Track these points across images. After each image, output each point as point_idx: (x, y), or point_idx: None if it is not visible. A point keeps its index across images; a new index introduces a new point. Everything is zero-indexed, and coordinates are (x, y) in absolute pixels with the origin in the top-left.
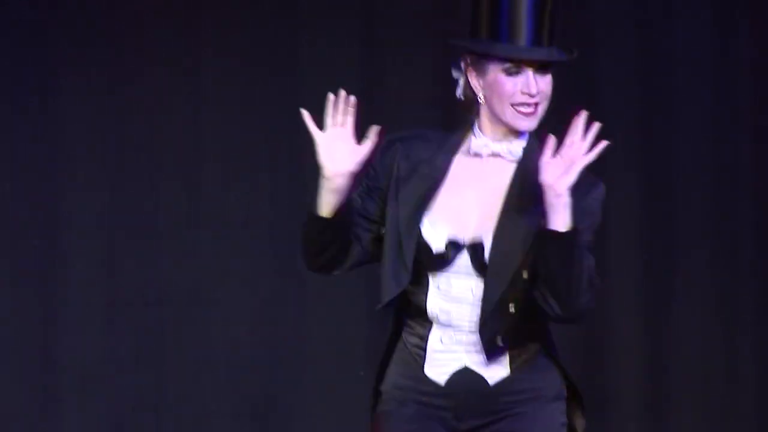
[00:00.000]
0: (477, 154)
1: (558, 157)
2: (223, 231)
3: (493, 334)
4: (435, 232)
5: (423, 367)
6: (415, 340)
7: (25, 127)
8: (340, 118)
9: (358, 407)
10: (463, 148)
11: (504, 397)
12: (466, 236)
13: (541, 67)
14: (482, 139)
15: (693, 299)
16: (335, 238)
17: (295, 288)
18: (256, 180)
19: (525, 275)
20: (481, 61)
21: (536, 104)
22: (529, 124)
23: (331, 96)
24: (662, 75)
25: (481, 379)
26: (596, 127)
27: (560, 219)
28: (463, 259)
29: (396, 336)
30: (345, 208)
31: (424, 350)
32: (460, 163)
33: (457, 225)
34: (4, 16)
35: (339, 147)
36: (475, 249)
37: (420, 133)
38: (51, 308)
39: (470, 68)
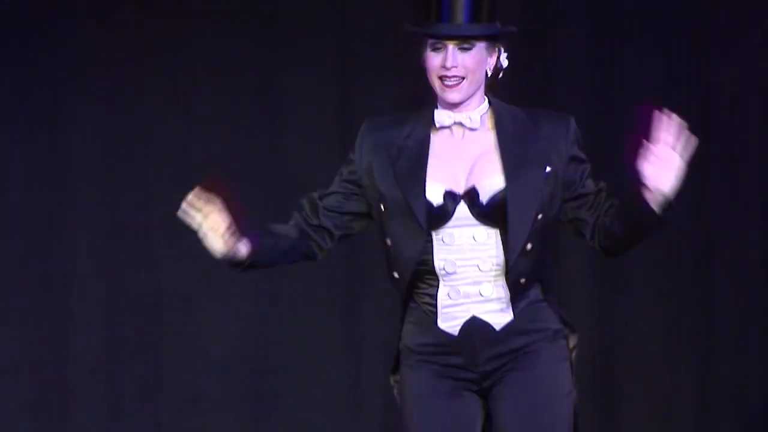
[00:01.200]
0: (443, 127)
1: (654, 159)
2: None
3: (517, 276)
4: (432, 190)
5: (436, 322)
6: (425, 299)
7: (35, 143)
8: (202, 212)
9: (338, 396)
10: (435, 121)
11: (510, 340)
12: (458, 189)
13: (463, 43)
14: (443, 112)
15: (638, 295)
16: (271, 261)
17: (280, 289)
18: (243, 188)
19: (540, 218)
20: (423, 40)
21: (460, 77)
22: (453, 96)
23: (186, 200)
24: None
25: (488, 326)
26: (682, 124)
27: (660, 206)
28: (461, 209)
29: (407, 301)
30: (257, 246)
31: (435, 306)
32: (437, 135)
33: (450, 182)
34: (18, 42)
35: (217, 230)
36: (471, 197)
37: (397, 117)
38: (59, 306)
39: (421, 49)
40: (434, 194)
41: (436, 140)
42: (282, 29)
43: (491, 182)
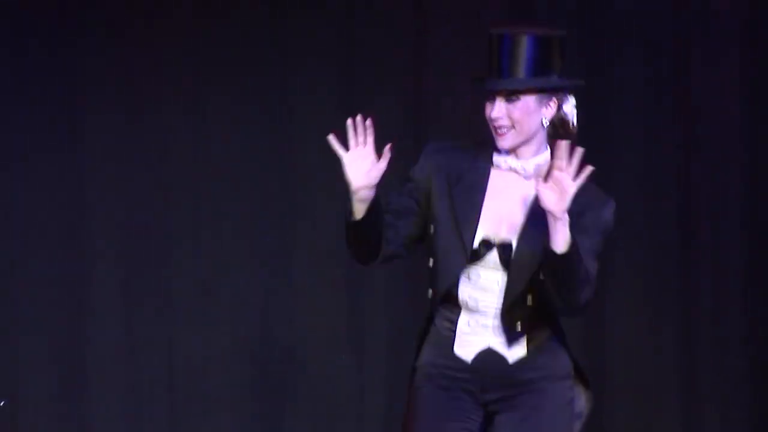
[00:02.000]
0: (499, 168)
1: (550, 183)
2: (224, 234)
3: (513, 322)
4: (479, 228)
5: (453, 347)
6: (446, 323)
7: (54, 148)
8: (360, 138)
9: (343, 390)
10: (494, 161)
11: (521, 373)
12: (497, 237)
13: (510, 95)
14: (501, 157)
15: (624, 296)
16: (367, 236)
17: (286, 285)
18: (252, 190)
19: (541, 276)
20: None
21: (508, 126)
22: (501, 143)
23: (349, 120)
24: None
25: (502, 358)
26: (579, 152)
27: (560, 239)
28: (493, 255)
29: (430, 320)
30: (373, 210)
31: (454, 332)
32: (495, 174)
33: (491, 226)
34: (37, 51)
35: (361, 164)
36: (504, 248)
37: (456, 144)
38: (76, 301)
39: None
40: (477, 234)
41: (495, 176)
42: (288, 33)
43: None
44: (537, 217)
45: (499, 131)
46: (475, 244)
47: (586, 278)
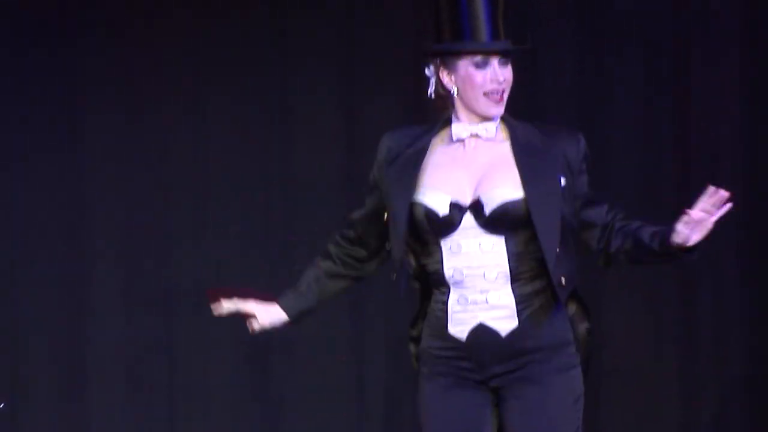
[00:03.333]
0: (459, 140)
1: (690, 219)
2: (224, 234)
3: (558, 277)
4: (437, 199)
5: (447, 326)
6: (438, 305)
7: (55, 149)
8: (235, 311)
9: (343, 390)
10: (442, 136)
11: (515, 345)
12: (465, 200)
13: (503, 58)
14: (461, 125)
15: (622, 298)
16: (327, 298)
17: (286, 285)
18: (252, 190)
19: (562, 224)
20: (451, 59)
21: (503, 91)
22: (498, 110)
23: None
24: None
25: (494, 332)
26: (725, 196)
27: (679, 254)
28: (467, 220)
29: (424, 302)
30: (297, 307)
31: (446, 312)
32: (440, 148)
33: (455, 192)
34: (38, 53)
35: (259, 315)
36: (477, 208)
37: (404, 126)
38: (76, 301)
39: (442, 68)
40: (440, 204)
41: (439, 150)
42: (288, 36)
43: (500, 192)
44: (534, 177)
45: (495, 97)
46: (445, 210)
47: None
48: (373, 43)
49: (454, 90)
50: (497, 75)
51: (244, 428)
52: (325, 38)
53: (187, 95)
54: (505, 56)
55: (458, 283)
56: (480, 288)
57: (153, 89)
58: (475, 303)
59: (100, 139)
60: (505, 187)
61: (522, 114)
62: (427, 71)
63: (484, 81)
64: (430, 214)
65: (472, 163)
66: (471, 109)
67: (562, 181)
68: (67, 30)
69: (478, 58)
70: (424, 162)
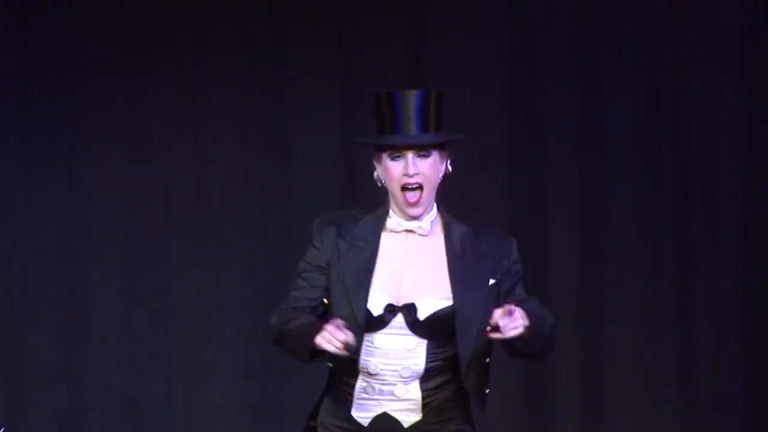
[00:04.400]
0: (394, 231)
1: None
2: (225, 234)
3: (478, 385)
4: (374, 300)
5: (350, 409)
6: (345, 388)
7: (57, 152)
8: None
9: None
10: (387, 228)
11: None
12: (400, 300)
13: (420, 152)
14: (395, 219)
15: (623, 313)
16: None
17: (287, 284)
18: (252, 188)
19: (480, 332)
20: (378, 152)
21: (420, 186)
22: (416, 211)
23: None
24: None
25: (397, 423)
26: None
27: (517, 337)
28: (397, 320)
29: (331, 381)
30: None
31: (352, 396)
32: (388, 239)
33: (392, 291)
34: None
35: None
36: (409, 310)
37: (349, 214)
38: (76, 301)
39: (375, 159)
40: (376, 304)
41: (387, 243)
42: (288, 63)
43: (432, 300)
44: (464, 278)
45: (410, 196)
46: (379, 310)
47: (550, 331)
48: (374, 74)
49: (382, 183)
50: (408, 167)
51: (243, 428)
52: (329, 70)
53: (187, 93)
54: (424, 149)
55: (370, 375)
56: (390, 381)
57: (153, 89)
58: (382, 393)
59: (101, 139)
60: (437, 294)
61: (523, 112)
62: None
63: (397, 173)
64: (366, 312)
65: (409, 262)
66: (395, 204)
67: (491, 282)
68: (67, 28)
69: (393, 152)
70: (376, 258)
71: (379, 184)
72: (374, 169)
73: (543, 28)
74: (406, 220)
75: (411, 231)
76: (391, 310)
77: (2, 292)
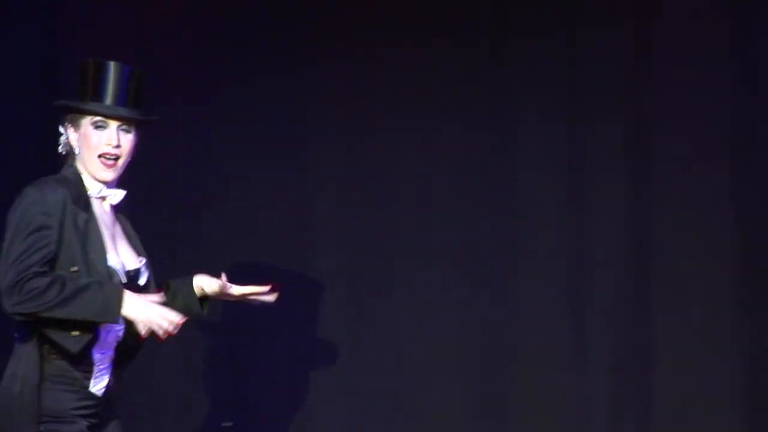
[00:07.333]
0: (99, 198)
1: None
2: (226, 234)
3: (127, 346)
4: (115, 264)
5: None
6: (77, 365)
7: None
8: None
9: (336, 398)
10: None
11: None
12: (132, 265)
13: (125, 125)
14: (96, 185)
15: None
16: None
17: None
18: (255, 187)
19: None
20: (77, 118)
21: (117, 157)
22: (108, 174)
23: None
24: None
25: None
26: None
27: None
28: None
29: (44, 362)
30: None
31: (91, 372)
32: (96, 204)
33: (124, 254)
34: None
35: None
36: (133, 276)
37: (59, 179)
38: None
39: (69, 125)
40: (119, 269)
41: (97, 207)
42: (300, 88)
43: (135, 263)
44: (135, 245)
45: (107, 161)
46: (124, 278)
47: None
48: (381, 99)
49: (77, 149)
50: (112, 138)
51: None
52: (338, 95)
53: (185, 88)
54: (128, 124)
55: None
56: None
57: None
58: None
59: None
60: (133, 258)
61: (517, 115)
62: (60, 128)
63: (99, 142)
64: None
65: (114, 227)
66: (88, 171)
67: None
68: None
69: (99, 120)
70: (98, 223)
71: (66, 150)
72: (62, 133)
73: (532, 26)
74: (98, 185)
75: (103, 198)
76: (136, 273)
77: None
